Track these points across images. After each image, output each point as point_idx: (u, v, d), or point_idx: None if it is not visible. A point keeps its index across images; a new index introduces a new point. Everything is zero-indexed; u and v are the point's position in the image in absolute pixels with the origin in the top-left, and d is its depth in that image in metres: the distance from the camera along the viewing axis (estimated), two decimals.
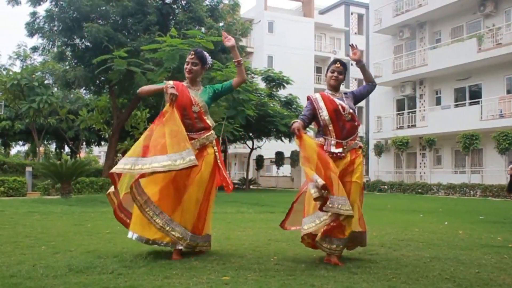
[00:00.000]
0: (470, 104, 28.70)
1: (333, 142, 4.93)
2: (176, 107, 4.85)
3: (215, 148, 5.08)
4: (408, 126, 31.54)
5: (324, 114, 4.98)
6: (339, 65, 5.08)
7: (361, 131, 51.56)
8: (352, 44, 5.28)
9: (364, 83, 5.40)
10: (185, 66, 5.14)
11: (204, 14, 21.69)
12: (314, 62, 50.02)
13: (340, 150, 4.89)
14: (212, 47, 15.25)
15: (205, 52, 5.25)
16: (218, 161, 5.07)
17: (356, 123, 5.06)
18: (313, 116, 5.06)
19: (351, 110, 4.99)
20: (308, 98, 5.18)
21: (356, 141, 5.02)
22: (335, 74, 5.07)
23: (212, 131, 5.12)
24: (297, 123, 4.81)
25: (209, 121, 5.10)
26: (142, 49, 16.38)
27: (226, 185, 5.05)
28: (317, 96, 5.11)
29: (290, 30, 47.89)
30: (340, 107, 4.96)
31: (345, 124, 4.97)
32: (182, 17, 21.18)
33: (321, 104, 5.02)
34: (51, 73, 27.89)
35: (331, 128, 4.97)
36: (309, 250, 5.32)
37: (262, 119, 26.99)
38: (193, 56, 5.10)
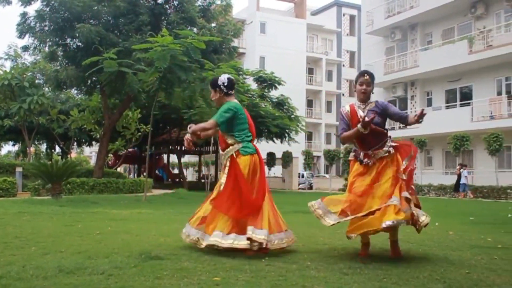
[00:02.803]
0: (461, 105, 28.87)
1: (361, 154, 5.14)
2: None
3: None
4: (400, 127, 31.63)
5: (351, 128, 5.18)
6: (367, 77, 5.16)
7: None
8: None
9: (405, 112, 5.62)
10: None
11: (196, 15, 21.66)
12: (306, 63, 50.14)
13: (366, 160, 5.10)
14: (204, 47, 15.19)
15: (216, 77, 5.70)
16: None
17: (380, 133, 5.13)
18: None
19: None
20: (341, 113, 5.31)
21: (384, 149, 5.09)
22: (364, 86, 5.16)
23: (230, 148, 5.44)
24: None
25: (230, 140, 5.46)
26: (134, 48, 16.34)
27: None
28: (348, 109, 5.25)
29: (282, 31, 47.95)
30: (361, 120, 4.99)
31: (366, 137, 5.04)
32: (174, 17, 21.14)
33: (348, 119, 5.23)
34: (42, 73, 27.75)
35: (356, 142, 5.21)
36: (301, 251, 5.34)
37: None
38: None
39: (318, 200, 5.17)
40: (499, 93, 27.22)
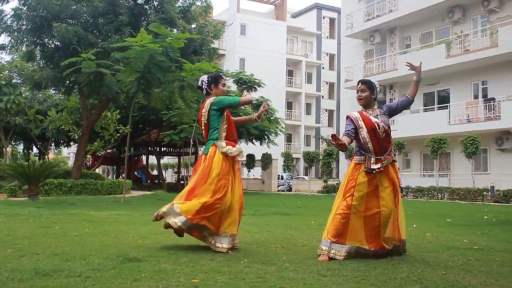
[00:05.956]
0: (439, 108, 29.21)
1: (372, 159, 5.25)
2: None
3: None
4: None
5: (364, 132, 5.28)
6: (360, 84, 5.45)
7: None
8: (408, 63, 5.57)
9: (404, 96, 5.61)
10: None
11: (176, 16, 21.54)
12: (286, 65, 50.29)
13: (379, 165, 5.21)
14: (182, 45, 15.06)
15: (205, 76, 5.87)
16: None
17: (390, 138, 5.44)
18: (356, 133, 5.33)
19: (386, 127, 5.31)
20: (348, 117, 5.42)
21: (391, 155, 5.37)
22: (358, 93, 5.42)
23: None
24: (344, 138, 5.19)
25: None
26: (112, 46, 16.16)
27: None
28: (357, 115, 5.38)
29: (262, 33, 48.05)
30: (376, 125, 5.27)
31: (381, 141, 5.28)
32: (154, 18, 20.99)
33: (361, 123, 5.32)
34: (19, 73, 27.36)
35: (370, 145, 5.26)
36: (279, 253, 5.35)
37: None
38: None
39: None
40: (476, 97, 27.61)
